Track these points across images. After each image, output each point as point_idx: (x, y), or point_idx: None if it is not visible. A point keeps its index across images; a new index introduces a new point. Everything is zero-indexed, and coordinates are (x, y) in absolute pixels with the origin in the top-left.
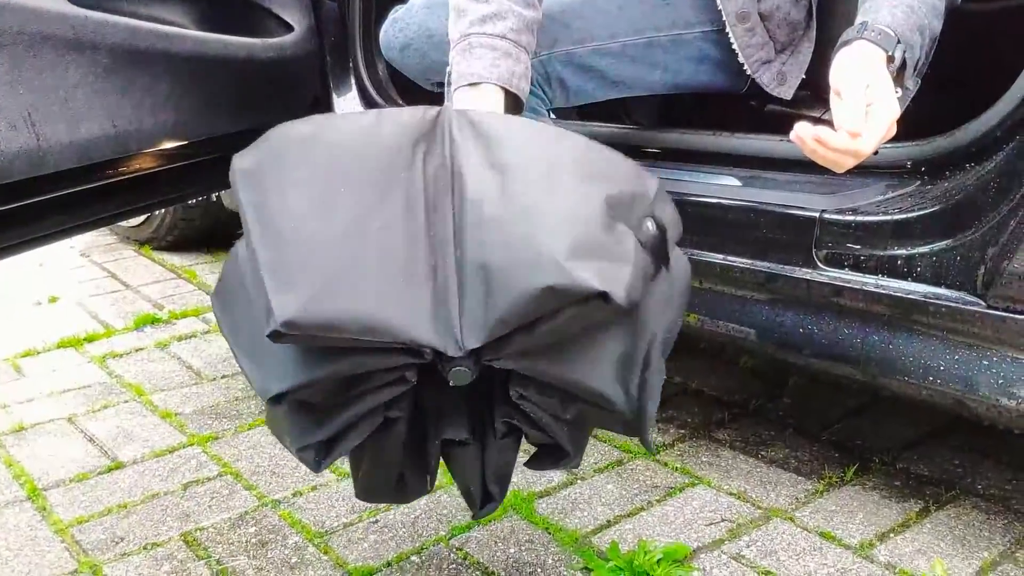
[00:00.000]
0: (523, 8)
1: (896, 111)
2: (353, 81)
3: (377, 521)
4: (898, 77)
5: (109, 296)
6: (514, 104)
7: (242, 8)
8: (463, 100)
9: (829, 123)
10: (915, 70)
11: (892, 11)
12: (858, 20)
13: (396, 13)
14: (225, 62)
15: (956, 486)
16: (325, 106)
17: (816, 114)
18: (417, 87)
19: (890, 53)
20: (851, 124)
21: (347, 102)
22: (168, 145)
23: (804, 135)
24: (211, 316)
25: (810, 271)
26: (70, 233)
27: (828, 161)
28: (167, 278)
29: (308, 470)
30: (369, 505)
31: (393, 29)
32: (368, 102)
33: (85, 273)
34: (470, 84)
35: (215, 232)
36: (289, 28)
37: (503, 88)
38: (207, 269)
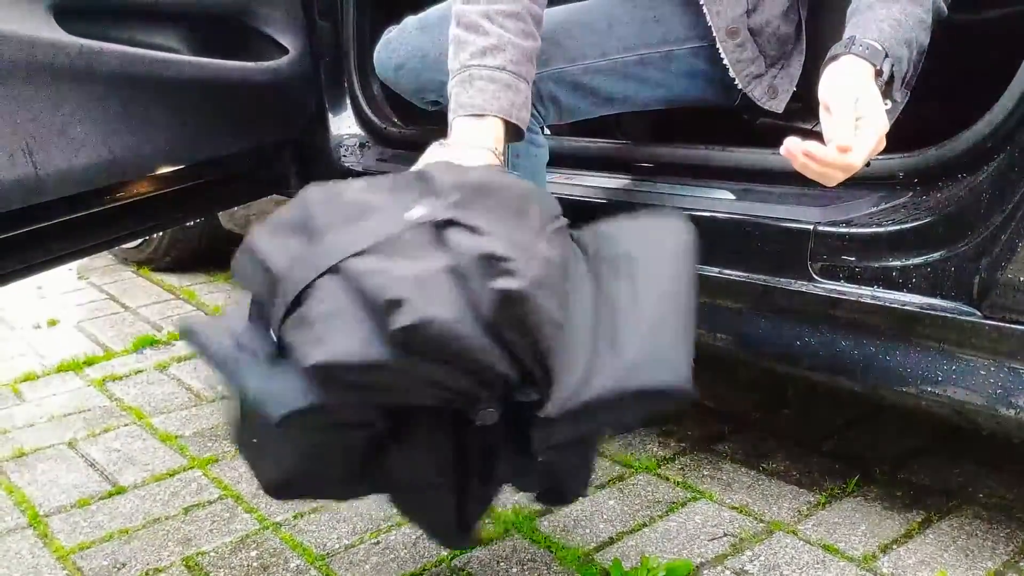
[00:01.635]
0: (521, 39)
1: (885, 125)
2: (348, 100)
3: (379, 543)
4: (886, 90)
5: (108, 318)
6: (514, 133)
7: (236, 32)
8: (464, 130)
9: (820, 135)
10: (903, 83)
11: (879, 25)
12: (846, 35)
13: (390, 34)
14: (220, 86)
15: (958, 496)
16: (321, 126)
17: (808, 126)
18: (412, 105)
19: (878, 67)
20: (841, 138)
21: (342, 121)
22: (165, 169)
23: (794, 150)
24: None
25: (806, 283)
26: (70, 258)
27: (818, 175)
28: (166, 299)
29: None
30: (371, 527)
31: (387, 50)
32: (363, 121)
33: (84, 295)
34: (472, 115)
35: (213, 252)
36: (284, 50)
37: (503, 120)
38: (205, 289)
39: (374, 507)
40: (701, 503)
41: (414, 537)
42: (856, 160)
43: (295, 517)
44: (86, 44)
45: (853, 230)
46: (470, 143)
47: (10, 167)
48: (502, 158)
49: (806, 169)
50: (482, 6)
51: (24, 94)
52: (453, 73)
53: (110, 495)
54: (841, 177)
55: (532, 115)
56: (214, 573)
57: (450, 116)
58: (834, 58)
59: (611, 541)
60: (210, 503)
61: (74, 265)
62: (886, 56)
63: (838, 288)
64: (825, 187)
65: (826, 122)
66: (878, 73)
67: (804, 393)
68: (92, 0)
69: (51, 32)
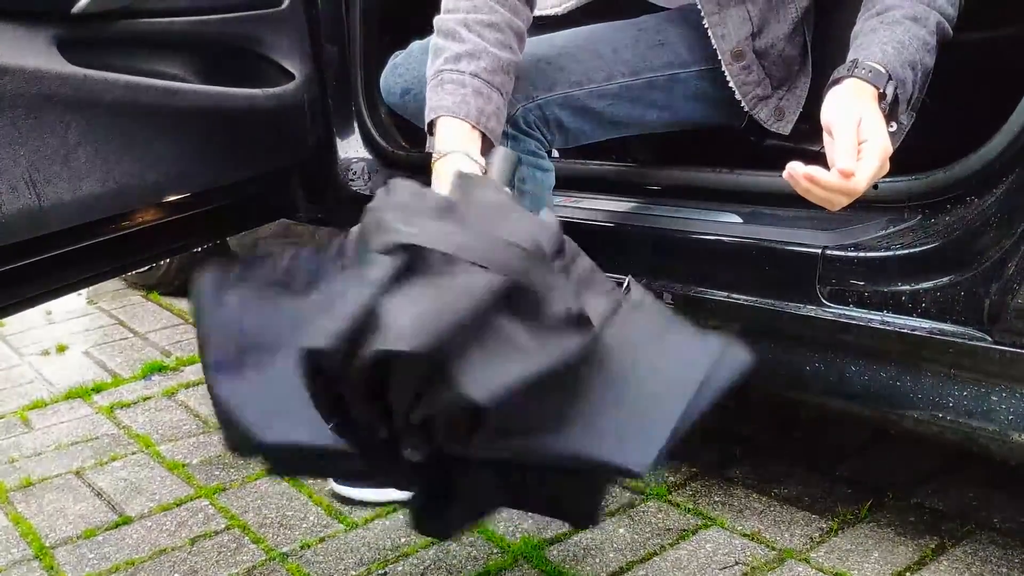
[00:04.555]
0: (498, 49)
1: (888, 148)
2: (356, 124)
3: (385, 573)
4: (891, 113)
5: (117, 344)
6: (484, 142)
7: (242, 59)
8: (439, 135)
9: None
10: (908, 105)
11: (883, 48)
12: (849, 57)
13: (396, 59)
14: (226, 113)
15: (972, 520)
16: (328, 150)
17: (816, 148)
18: (419, 128)
19: (881, 90)
20: (843, 163)
21: (350, 145)
22: (172, 197)
23: (796, 174)
24: None
25: (814, 308)
26: (76, 287)
27: (821, 200)
28: (175, 323)
29: (315, 521)
30: (378, 557)
31: (393, 75)
32: (371, 144)
33: (93, 321)
34: (440, 118)
35: None
36: (290, 76)
37: (471, 125)
38: None
39: (381, 537)
40: (712, 530)
41: (421, 568)
42: (859, 184)
43: (302, 547)
44: (90, 74)
45: (862, 254)
46: (444, 148)
47: (13, 199)
48: (480, 161)
49: (809, 194)
50: (461, 15)
51: (27, 125)
52: (428, 80)
53: (116, 525)
54: (845, 202)
55: (538, 140)
56: None
57: (425, 122)
58: (836, 81)
59: (621, 571)
60: (216, 533)
61: (83, 290)
62: (889, 78)
63: (847, 312)
64: (832, 210)
65: (829, 146)
66: (881, 96)
67: (816, 417)
68: (95, 31)
69: (54, 63)
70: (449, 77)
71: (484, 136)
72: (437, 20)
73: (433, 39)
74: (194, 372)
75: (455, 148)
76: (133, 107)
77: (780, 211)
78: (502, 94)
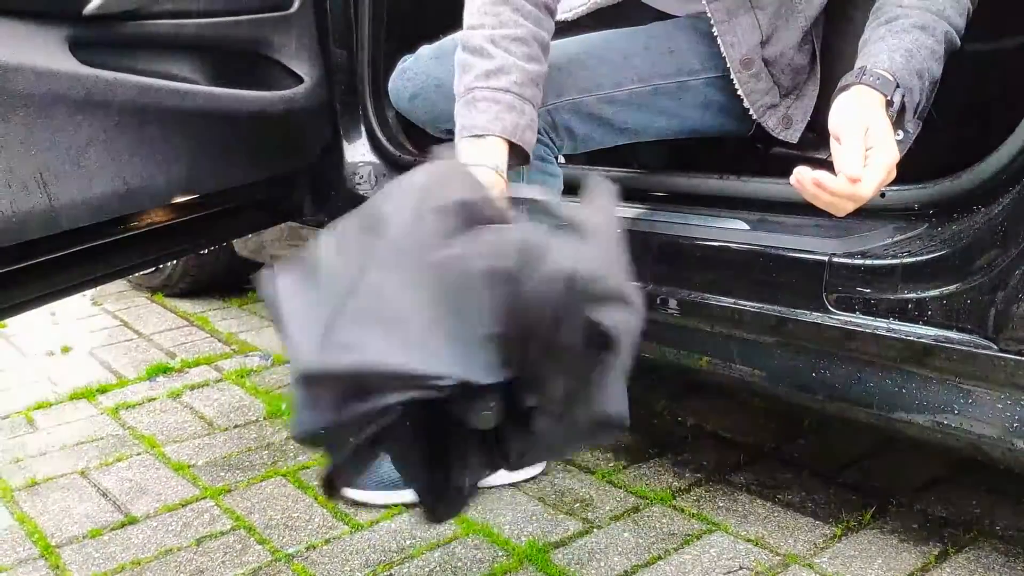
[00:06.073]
0: (526, 62)
1: (895, 155)
2: (363, 128)
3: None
4: (898, 121)
5: (122, 345)
6: (520, 156)
7: (252, 62)
8: (467, 151)
9: (834, 166)
10: (915, 113)
11: (891, 55)
12: (857, 65)
13: (404, 63)
14: (235, 116)
15: (974, 528)
16: (336, 154)
17: (823, 156)
18: (427, 134)
19: (888, 97)
20: (850, 169)
21: (357, 149)
22: (181, 199)
23: (803, 179)
24: (223, 364)
25: (821, 315)
26: (85, 287)
27: (828, 205)
28: (179, 326)
29: (321, 522)
30: (383, 559)
31: (402, 79)
32: (378, 149)
33: (97, 322)
34: (475, 136)
35: (227, 279)
36: (299, 79)
37: (507, 140)
38: (219, 315)
39: (387, 539)
40: (716, 535)
41: (427, 570)
42: (866, 191)
43: (307, 548)
44: (101, 75)
45: (869, 261)
46: (472, 162)
47: (24, 198)
48: (504, 177)
49: (816, 199)
50: (487, 31)
51: (39, 125)
52: (458, 96)
53: (122, 525)
54: (851, 207)
55: (547, 144)
56: None
57: (456, 139)
58: (844, 88)
59: (626, 575)
60: (222, 534)
61: (88, 291)
62: (897, 86)
63: (853, 320)
64: (840, 217)
65: (836, 152)
66: (889, 103)
67: (820, 423)
68: (107, 32)
69: (66, 63)
70: (481, 95)
71: (520, 148)
72: (463, 36)
73: (459, 54)
74: (199, 374)
75: (484, 163)
76: (144, 108)
77: (787, 218)
78: (534, 106)
